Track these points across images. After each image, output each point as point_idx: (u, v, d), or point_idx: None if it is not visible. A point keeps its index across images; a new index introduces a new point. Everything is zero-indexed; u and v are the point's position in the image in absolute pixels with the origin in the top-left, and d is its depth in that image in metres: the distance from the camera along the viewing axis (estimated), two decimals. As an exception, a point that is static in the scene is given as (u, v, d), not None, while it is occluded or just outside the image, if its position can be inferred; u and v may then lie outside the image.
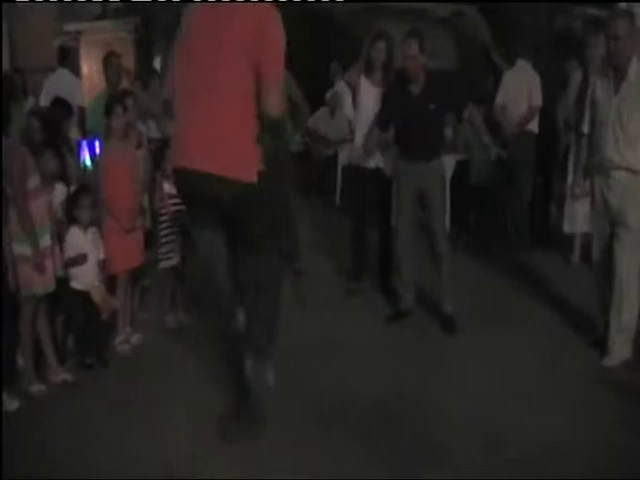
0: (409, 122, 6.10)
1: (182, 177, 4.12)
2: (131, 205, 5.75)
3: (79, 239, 5.40)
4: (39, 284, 4.96)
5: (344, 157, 9.64)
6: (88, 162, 7.17)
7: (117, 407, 4.85)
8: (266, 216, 4.22)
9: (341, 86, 10.60)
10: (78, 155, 7.05)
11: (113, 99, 6.01)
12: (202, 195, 4.04)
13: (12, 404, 4.87)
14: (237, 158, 3.95)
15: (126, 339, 5.82)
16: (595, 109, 5.48)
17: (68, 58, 10.88)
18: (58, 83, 9.59)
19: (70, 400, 5.00)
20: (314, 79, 10.76)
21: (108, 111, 5.80)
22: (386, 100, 6.30)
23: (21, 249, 4.89)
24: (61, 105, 7.21)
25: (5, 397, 4.86)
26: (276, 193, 4.65)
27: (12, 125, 4.97)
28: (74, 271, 5.37)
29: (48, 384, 5.15)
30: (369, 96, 6.55)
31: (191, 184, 4.05)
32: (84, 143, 7.36)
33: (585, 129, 5.68)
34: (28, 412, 4.83)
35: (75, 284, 5.40)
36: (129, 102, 6.26)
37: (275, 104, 3.94)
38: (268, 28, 3.90)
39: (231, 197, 3.97)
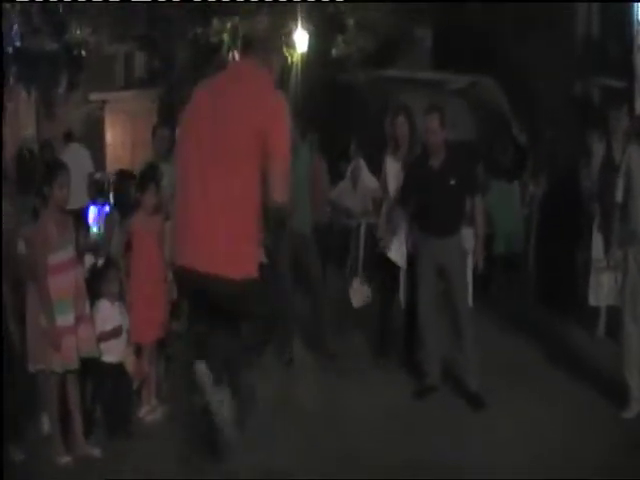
0: (429, 197, 6.09)
1: (182, 274, 4.03)
2: (157, 277, 5.76)
3: (111, 312, 5.44)
4: (57, 361, 4.94)
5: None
6: (96, 230, 7.22)
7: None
8: (263, 310, 4.08)
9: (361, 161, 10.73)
10: (86, 223, 7.04)
11: (146, 176, 6.02)
12: (201, 291, 3.94)
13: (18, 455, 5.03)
14: (238, 256, 3.82)
15: (152, 409, 5.78)
16: (630, 178, 5.50)
17: (74, 139, 12.18)
18: (70, 156, 10.41)
19: (95, 470, 5.02)
20: (334, 151, 10.88)
21: (141, 187, 5.83)
22: (407, 175, 6.33)
23: (42, 322, 4.91)
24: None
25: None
26: (276, 282, 4.48)
27: (51, 198, 4.99)
28: (107, 345, 5.37)
29: (73, 455, 5.12)
30: (397, 173, 6.57)
31: (191, 281, 3.96)
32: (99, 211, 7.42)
33: (618, 198, 5.68)
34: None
35: (107, 357, 5.40)
36: (160, 177, 6.20)
37: (281, 193, 3.77)
38: (275, 120, 3.78)
39: (230, 293, 3.85)
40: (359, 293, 7.07)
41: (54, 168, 5.17)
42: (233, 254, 3.81)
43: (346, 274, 10.17)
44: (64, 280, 4.99)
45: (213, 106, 3.90)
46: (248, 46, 4.04)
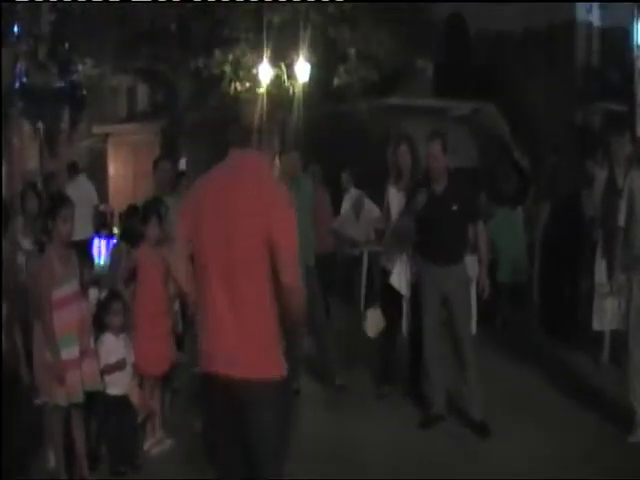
0: (431, 222, 6.08)
1: (209, 380, 3.90)
2: (161, 309, 5.76)
3: (115, 345, 5.41)
4: (62, 394, 4.93)
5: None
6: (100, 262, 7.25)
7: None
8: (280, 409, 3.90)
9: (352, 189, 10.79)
10: (90, 256, 7.07)
11: (149, 208, 6.01)
12: (228, 395, 3.80)
13: None
14: (266, 358, 3.75)
15: (156, 443, 5.76)
16: (633, 202, 5.51)
17: (78, 171, 12.05)
18: (76, 188, 10.56)
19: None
20: (336, 181, 10.93)
21: (144, 219, 5.85)
22: (410, 198, 6.33)
23: (47, 356, 4.92)
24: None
25: None
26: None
27: (55, 232, 5.00)
28: (111, 377, 5.35)
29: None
30: (400, 202, 6.59)
31: (219, 387, 3.82)
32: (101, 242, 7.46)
33: (621, 222, 5.68)
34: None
35: (112, 390, 5.37)
36: (163, 210, 6.19)
37: (292, 275, 3.66)
38: (278, 214, 3.67)
39: (257, 395, 3.75)
40: (374, 323, 7.04)
41: (58, 202, 5.18)
42: (264, 357, 3.74)
43: (354, 303, 10.19)
44: (68, 314, 4.98)
45: (219, 204, 3.75)
46: (246, 137, 3.97)
